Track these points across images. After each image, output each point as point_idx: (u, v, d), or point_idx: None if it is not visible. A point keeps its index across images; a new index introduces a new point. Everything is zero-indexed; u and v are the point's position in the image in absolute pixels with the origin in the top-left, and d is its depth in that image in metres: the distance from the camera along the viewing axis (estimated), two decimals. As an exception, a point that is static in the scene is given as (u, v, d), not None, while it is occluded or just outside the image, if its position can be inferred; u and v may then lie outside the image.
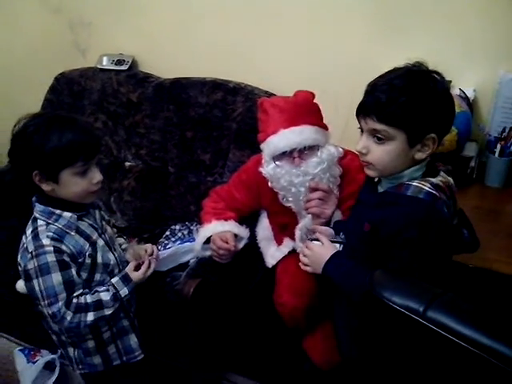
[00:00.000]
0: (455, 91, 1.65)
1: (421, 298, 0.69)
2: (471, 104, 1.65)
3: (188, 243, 1.65)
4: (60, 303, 1.17)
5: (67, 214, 1.20)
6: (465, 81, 1.70)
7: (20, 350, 1.89)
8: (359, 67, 1.75)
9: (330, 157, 1.47)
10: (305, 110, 1.49)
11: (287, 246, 1.64)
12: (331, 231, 1.32)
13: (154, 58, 2.24)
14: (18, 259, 1.24)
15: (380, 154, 1.06)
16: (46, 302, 1.17)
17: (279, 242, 1.67)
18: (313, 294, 1.56)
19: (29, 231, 1.22)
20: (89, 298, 1.21)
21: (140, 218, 2.12)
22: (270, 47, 1.99)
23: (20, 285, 1.81)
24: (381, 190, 1.15)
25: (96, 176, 1.21)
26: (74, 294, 1.19)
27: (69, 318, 1.19)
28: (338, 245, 1.23)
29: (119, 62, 2.21)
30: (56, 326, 1.32)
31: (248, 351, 1.86)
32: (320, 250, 1.21)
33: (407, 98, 1.00)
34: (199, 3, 2.05)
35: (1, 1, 2.43)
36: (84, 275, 1.24)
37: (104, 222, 1.34)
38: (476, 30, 1.66)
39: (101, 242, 1.27)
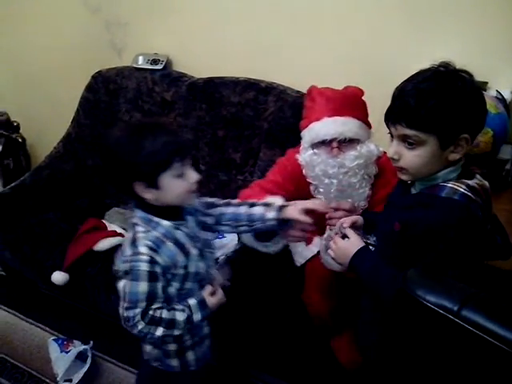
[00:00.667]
0: (492, 93, 1.63)
1: (455, 297, 0.68)
2: (508, 106, 1.62)
3: (218, 239, 1.67)
4: (137, 310, 1.17)
5: (165, 223, 1.20)
6: (502, 82, 1.67)
7: (54, 339, 1.95)
8: (393, 69, 1.72)
9: (368, 154, 1.47)
10: (352, 102, 1.49)
11: (316, 244, 1.63)
12: (361, 232, 1.32)
13: (187, 57, 2.28)
14: (116, 261, 1.25)
15: (412, 158, 1.05)
16: (126, 304, 1.18)
17: (308, 241, 1.66)
18: (341, 295, 1.56)
19: (128, 237, 1.23)
20: (164, 314, 1.19)
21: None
22: (302, 47, 2.00)
23: (56, 277, 1.87)
24: (414, 191, 1.14)
25: (193, 175, 1.19)
26: (153, 307, 1.19)
27: (140, 327, 1.18)
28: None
29: (154, 62, 2.25)
30: None
31: (276, 349, 1.87)
32: (346, 245, 1.20)
33: (436, 101, 0.99)
34: (231, 3, 2.07)
35: (42, 0, 2.51)
36: (176, 285, 1.23)
37: (198, 229, 1.29)
38: (513, 30, 1.63)
39: (194, 251, 1.24)
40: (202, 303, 1.25)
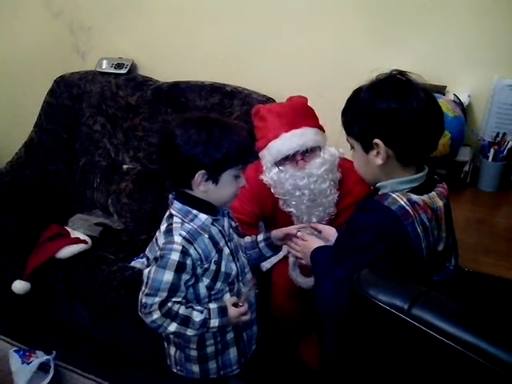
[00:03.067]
0: (450, 96, 1.67)
1: (406, 295, 0.70)
2: (465, 109, 1.66)
3: None
4: (156, 299, 1.15)
5: (203, 216, 1.20)
6: (459, 86, 1.72)
7: (15, 350, 1.88)
8: (356, 72, 1.75)
9: (332, 157, 1.49)
10: (302, 113, 1.51)
11: (283, 250, 1.64)
12: (334, 231, 1.34)
13: (153, 61, 2.26)
14: (146, 252, 1.26)
15: (354, 161, 1.13)
16: (146, 290, 1.16)
17: None
18: (307, 298, 1.57)
19: (163, 227, 1.22)
20: (181, 309, 1.18)
21: (137, 221, 2.14)
22: (267, 52, 2.01)
23: (16, 286, 1.82)
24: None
25: (243, 180, 1.22)
26: (173, 299, 1.17)
27: (155, 316, 1.16)
28: None
29: (118, 66, 2.23)
30: None
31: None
32: (309, 242, 1.27)
33: (351, 109, 1.07)
34: (198, 8, 2.07)
35: (2, 3, 2.45)
36: (206, 281, 1.22)
37: (232, 230, 1.31)
38: (471, 35, 1.68)
39: (226, 250, 1.24)
40: (222, 309, 1.23)
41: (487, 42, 1.67)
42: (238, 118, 1.91)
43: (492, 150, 1.61)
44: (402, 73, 1.05)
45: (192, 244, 1.17)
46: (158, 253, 1.17)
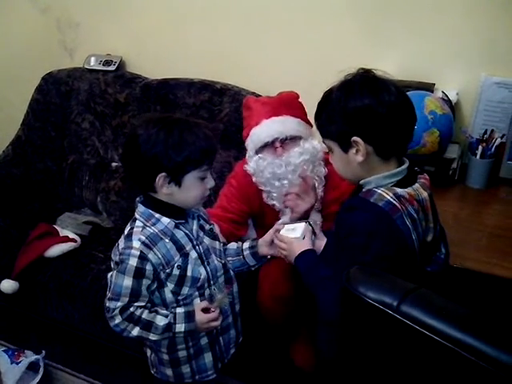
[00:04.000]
0: (438, 94, 1.68)
1: (395, 292, 0.70)
2: (453, 107, 1.67)
3: None
4: (118, 304, 1.15)
5: (165, 220, 1.18)
6: (448, 83, 1.73)
7: (4, 350, 1.87)
8: (345, 70, 1.78)
9: (313, 150, 1.47)
10: (287, 103, 1.50)
11: None
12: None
13: (141, 58, 2.25)
14: (112, 255, 1.24)
15: (333, 163, 1.14)
16: (109, 295, 1.17)
17: None
18: (294, 300, 1.57)
19: (126, 230, 1.21)
20: (144, 314, 1.17)
21: (126, 219, 2.07)
22: (257, 49, 2.01)
23: (4, 285, 1.81)
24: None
25: (211, 181, 1.21)
26: (135, 304, 1.16)
27: (117, 321, 1.17)
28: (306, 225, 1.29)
29: (107, 63, 2.21)
30: None
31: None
32: (295, 246, 1.25)
33: (324, 111, 1.07)
34: (188, 5, 2.06)
35: (-12, 0, 2.42)
36: (171, 286, 1.20)
37: (203, 234, 1.28)
38: (459, 33, 1.69)
39: (194, 254, 1.22)
40: (188, 314, 1.20)
41: (475, 40, 1.68)
42: (228, 115, 1.91)
43: (480, 148, 1.63)
44: (368, 71, 1.06)
45: (151, 249, 1.16)
46: (118, 257, 1.17)
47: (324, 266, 1.16)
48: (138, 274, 1.15)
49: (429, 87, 1.69)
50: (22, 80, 2.43)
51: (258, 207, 1.58)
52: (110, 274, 1.19)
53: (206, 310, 1.22)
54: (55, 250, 1.87)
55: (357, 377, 0.89)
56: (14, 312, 2.06)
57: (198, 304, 1.23)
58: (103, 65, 2.20)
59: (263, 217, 1.62)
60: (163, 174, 1.13)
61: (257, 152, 1.49)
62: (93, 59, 2.23)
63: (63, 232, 1.97)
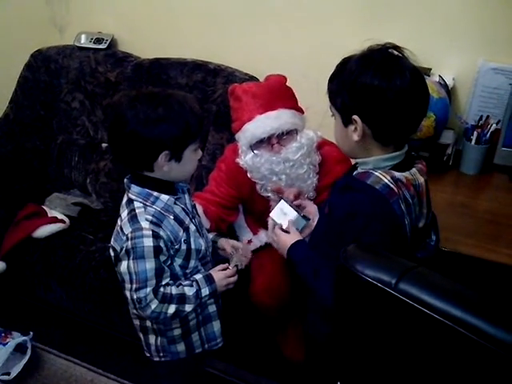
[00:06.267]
0: (435, 78, 1.67)
1: (393, 270, 0.69)
2: (450, 92, 1.66)
3: None
4: (148, 289, 1.13)
5: (165, 197, 1.16)
6: (445, 68, 1.71)
7: (-10, 331, 1.86)
8: (340, 53, 1.75)
9: (309, 142, 1.44)
10: (279, 94, 1.45)
11: (262, 238, 1.60)
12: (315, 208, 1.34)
13: (133, 37, 2.20)
14: (112, 242, 1.20)
15: (334, 129, 1.10)
16: (135, 286, 1.13)
17: (254, 232, 1.64)
18: (287, 293, 1.56)
19: (124, 213, 1.17)
20: (174, 290, 1.17)
21: (116, 201, 2.07)
22: (252, 29, 1.97)
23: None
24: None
25: (199, 152, 1.20)
26: (162, 283, 1.15)
27: (153, 306, 1.15)
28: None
29: (98, 41, 2.16)
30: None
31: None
32: (285, 238, 1.25)
33: (336, 77, 1.05)
34: (181, -17, 2.02)
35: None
36: (179, 261, 1.20)
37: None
38: (457, 18, 1.67)
39: (192, 227, 1.22)
40: (208, 277, 1.24)
41: (473, 25, 1.66)
42: (221, 96, 1.88)
43: (475, 133, 1.62)
44: (395, 47, 1.02)
45: (160, 226, 1.15)
46: (128, 244, 1.12)
47: (317, 255, 1.15)
48: (157, 252, 1.13)
49: (425, 72, 1.66)
50: (10, 57, 2.36)
51: (248, 193, 1.55)
52: (122, 267, 1.14)
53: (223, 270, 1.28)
54: (43, 231, 1.84)
55: (350, 359, 0.89)
56: (0, 293, 2.04)
57: (216, 268, 1.28)
58: (94, 43, 2.16)
59: (253, 203, 1.59)
60: (166, 151, 1.11)
61: (251, 148, 1.44)
62: (83, 37, 2.18)
63: (52, 213, 1.94)
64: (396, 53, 1.02)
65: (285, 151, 1.42)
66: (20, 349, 1.80)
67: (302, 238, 1.24)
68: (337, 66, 1.06)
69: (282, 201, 1.33)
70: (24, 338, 1.81)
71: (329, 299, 1.04)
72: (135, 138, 1.09)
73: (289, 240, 1.23)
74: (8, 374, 1.74)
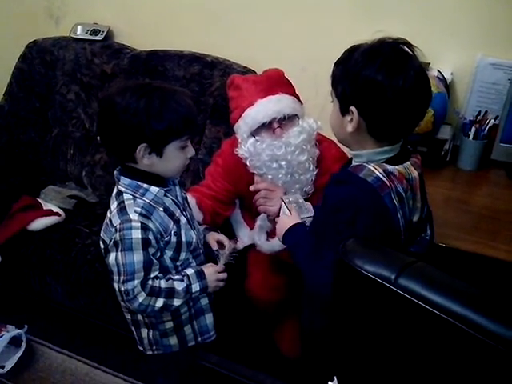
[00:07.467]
0: (433, 72, 1.66)
1: (392, 265, 0.69)
2: (448, 86, 1.65)
3: None
4: (136, 281, 1.12)
5: (154, 189, 1.16)
6: (443, 63, 1.70)
7: (-16, 324, 1.85)
8: (339, 48, 1.74)
9: (310, 128, 1.43)
10: (278, 81, 1.45)
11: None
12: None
13: (130, 28, 2.18)
14: (101, 235, 1.19)
15: (331, 114, 1.08)
16: (122, 278, 1.12)
17: (251, 227, 1.63)
18: (283, 288, 1.55)
19: (113, 205, 1.16)
20: (163, 283, 1.16)
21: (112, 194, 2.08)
22: (250, 23, 1.95)
23: (-14, 258, 1.77)
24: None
25: (191, 150, 1.18)
26: (151, 276, 1.15)
27: (141, 299, 1.14)
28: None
29: (94, 32, 2.14)
30: None
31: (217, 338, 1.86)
32: (284, 220, 1.24)
33: (341, 64, 1.03)
34: (178, -26, 2.00)
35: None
36: (169, 253, 1.19)
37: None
38: (456, 12, 1.66)
39: (183, 220, 1.22)
40: (199, 273, 1.23)
41: (472, 20, 1.65)
42: (219, 89, 1.87)
43: (473, 129, 1.61)
44: (407, 44, 1.01)
45: (149, 218, 1.14)
46: (117, 235, 1.12)
47: (310, 241, 1.14)
48: (145, 244, 1.13)
49: (424, 66, 1.65)
50: (4, 48, 2.35)
51: (245, 188, 1.53)
52: (111, 258, 1.14)
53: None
54: (39, 224, 1.83)
55: (348, 354, 0.88)
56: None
57: (207, 265, 1.28)
58: (90, 34, 2.14)
59: (250, 198, 1.58)
60: (144, 144, 1.10)
61: (252, 134, 1.43)
62: (79, 28, 2.16)
63: (47, 205, 1.93)
64: (407, 49, 1.00)
65: (286, 135, 1.41)
66: (15, 342, 1.79)
67: (299, 221, 1.23)
68: (344, 52, 1.04)
69: (282, 203, 1.32)
70: (19, 331, 1.80)
71: (316, 286, 1.07)
72: (115, 123, 1.10)
73: (287, 223, 1.22)
74: (2, 367, 1.74)
